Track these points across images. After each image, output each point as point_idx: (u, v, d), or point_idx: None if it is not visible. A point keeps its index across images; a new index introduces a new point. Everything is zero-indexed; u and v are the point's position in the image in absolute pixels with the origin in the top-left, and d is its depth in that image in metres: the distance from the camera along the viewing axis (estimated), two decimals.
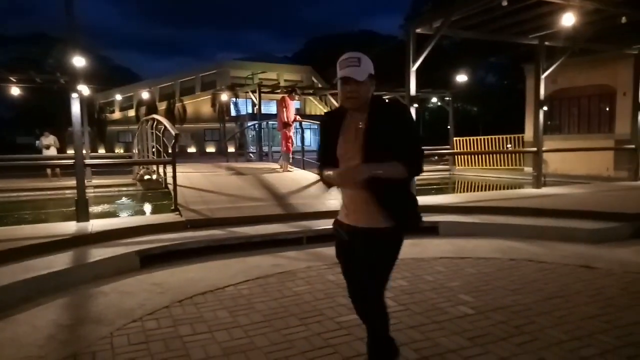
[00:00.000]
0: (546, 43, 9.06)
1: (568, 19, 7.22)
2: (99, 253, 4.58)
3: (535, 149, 9.29)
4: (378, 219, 2.11)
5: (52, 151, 14.19)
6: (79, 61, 5.89)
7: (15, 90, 14.25)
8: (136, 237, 5.13)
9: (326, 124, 2.32)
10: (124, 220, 6.97)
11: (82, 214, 5.60)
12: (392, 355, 2.37)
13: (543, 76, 8.90)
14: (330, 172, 2.16)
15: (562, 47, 9.22)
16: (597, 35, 9.00)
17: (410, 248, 5.34)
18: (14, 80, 13.40)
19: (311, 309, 3.46)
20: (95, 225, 5.57)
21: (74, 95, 5.57)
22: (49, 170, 13.53)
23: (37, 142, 14.68)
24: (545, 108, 9.30)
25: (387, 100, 2.30)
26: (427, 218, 6.26)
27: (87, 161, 6.19)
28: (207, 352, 2.80)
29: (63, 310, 3.57)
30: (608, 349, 2.72)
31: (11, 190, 11.79)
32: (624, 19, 7.38)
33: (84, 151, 7.64)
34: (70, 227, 5.45)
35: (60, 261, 4.33)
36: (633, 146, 10.29)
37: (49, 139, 14.16)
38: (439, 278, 4.18)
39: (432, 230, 6.00)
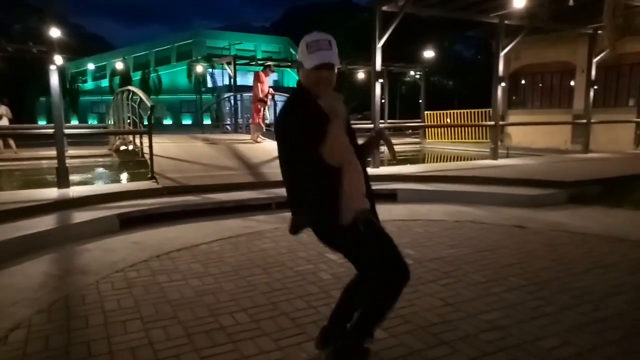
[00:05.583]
0: (506, 22, 9.55)
1: (519, 1, 7.73)
2: (81, 216, 4.99)
3: (493, 122, 9.90)
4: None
5: (4, 122, 13.02)
6: (55, 32, 6.12)
7: None
8: (115, 202, 5.52)
9: (306, 117, 1.96)
10: (104, 187, 7.34)
11: (63, 181, 5.96)
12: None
13: (502, 53, 9.44)
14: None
15: (520, 26, 9.71)
16: (555, 15, 9.51)
17: None
18: None
19: (274, 261, 3.97)
20: (76, 191, 5.95)
21: (52, 67, 5.83)
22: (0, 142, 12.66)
23: None
24: (503, 84, 9.88)
25: None
26: (387, 186, 6.82)
27: (67, 131, 6.46)
28: (182, 294, 3.29)
29: (52, 264, 4.00)
30: (514, 287, 3.32)
31: None
32: (571, 1, 7.86)
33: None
34: (51, 193, 5.81)
35: (46, 222, 4.73)
36: (584, 121, 11.01)
37: (1, 109, 13.04)
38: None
39: (392, 197, 6.55)
